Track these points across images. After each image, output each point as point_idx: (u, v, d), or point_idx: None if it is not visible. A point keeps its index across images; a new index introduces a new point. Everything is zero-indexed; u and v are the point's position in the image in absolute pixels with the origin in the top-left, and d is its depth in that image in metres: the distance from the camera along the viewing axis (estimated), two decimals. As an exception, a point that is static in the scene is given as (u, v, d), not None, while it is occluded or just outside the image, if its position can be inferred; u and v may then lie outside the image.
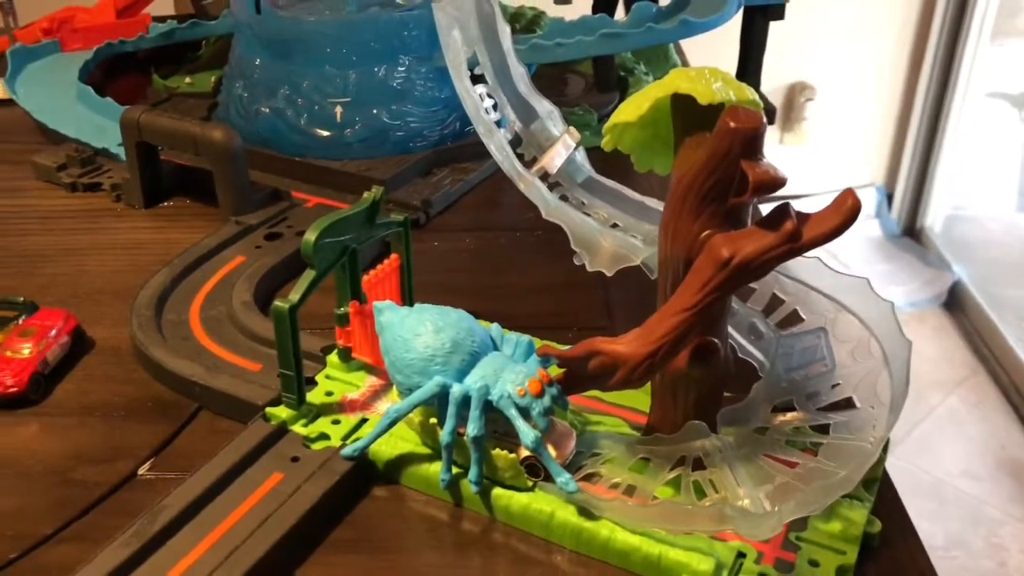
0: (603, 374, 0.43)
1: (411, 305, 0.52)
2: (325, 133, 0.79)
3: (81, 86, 0.88)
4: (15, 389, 0.55)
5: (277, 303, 0.50)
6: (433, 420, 0.49)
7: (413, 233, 0.57)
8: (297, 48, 0.79)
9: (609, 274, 0.47)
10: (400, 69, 0.80)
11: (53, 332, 0.58)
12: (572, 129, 0.51)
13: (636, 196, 0.50)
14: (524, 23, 1.02)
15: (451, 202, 0.78)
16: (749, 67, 0.90)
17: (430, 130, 0.82)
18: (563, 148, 0.49)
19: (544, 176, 0.48)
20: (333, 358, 0.57)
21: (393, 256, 0.58)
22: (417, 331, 0.48)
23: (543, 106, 0.50)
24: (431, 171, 0.80)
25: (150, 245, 0.72)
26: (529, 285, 0.68)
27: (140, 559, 0.44)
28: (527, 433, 0.45)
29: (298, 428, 0.52)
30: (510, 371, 0.47)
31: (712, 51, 0.92)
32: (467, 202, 0.79)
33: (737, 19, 0.86)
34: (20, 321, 0.59)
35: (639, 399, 0.53)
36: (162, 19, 0.99)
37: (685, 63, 1.04)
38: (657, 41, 0.80)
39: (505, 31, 0.48)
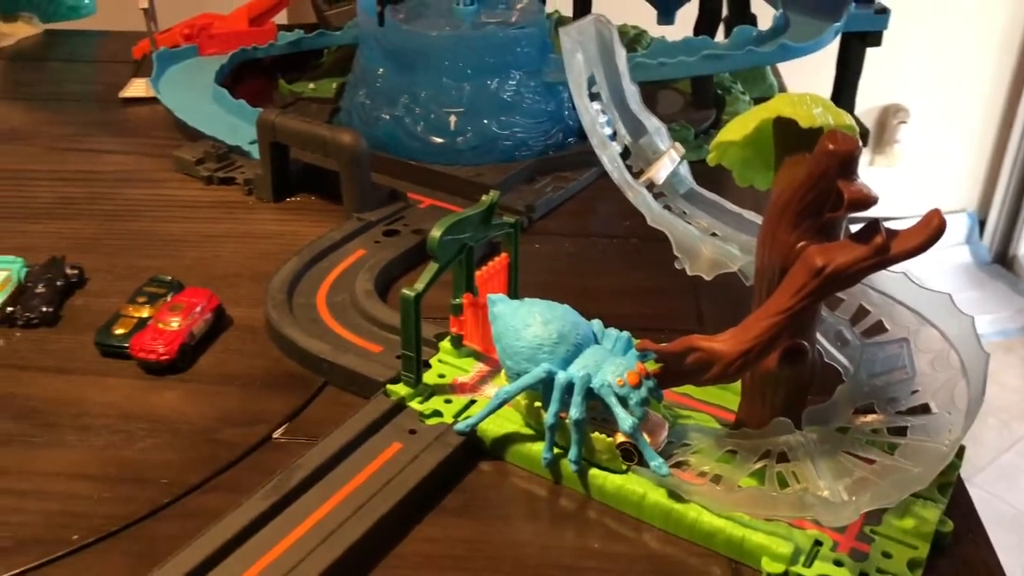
0: (698, 369, 0.47)
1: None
2: (439, 140, 0.85)
3: (217, 88, 0.96)
4: (167, 357, 0.62)
5: (405, 291, 0.55)
6: (538, 403, 0.54)
7: (529, 237, 0.63)
8: (418, 61, 0.85)
9: (708, 278, 0.52)
10: (511, 83, 0.85)
11: (198, 309, 0.65)
12: (677, 144, 0.56)
13: (734, 208, 0.54)
14: (626, 41, 1.06)
15: (552, 208, 0.83)
16: (844, 91, 0.93)
17: (535, 140, 0.87)
18: (669, 161, 0.54)
19: (650, 186, 0.53)
20: (446, 344, 0.62)
21: (503, 255, 0.63)
22: (527, 322, 0.53)
23: (652, 122, 0.54)
24: (534, 179, 0.86)
25: (278, 236, 0.79)
26: (624, 288, 0.73)
27: (279, 510, 0.50)
28: (625, 419, 0.50)
29: (415, 404, 0.57)
30: (611, 363, 0.52)
31: (807, 72, 0.96)
32: (567, 209, 0.84)
33: (834, 42, 0.89)
34: (169, 298, 0.67)
35: (727, 398, 0.57)
36: (288, 28, 1.07)
37: (781, 83, 1.08)
38: (757, 63, 0.84)
39: (621, 54, 0.53)
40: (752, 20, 1.00)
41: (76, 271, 0.71)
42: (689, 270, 0.52)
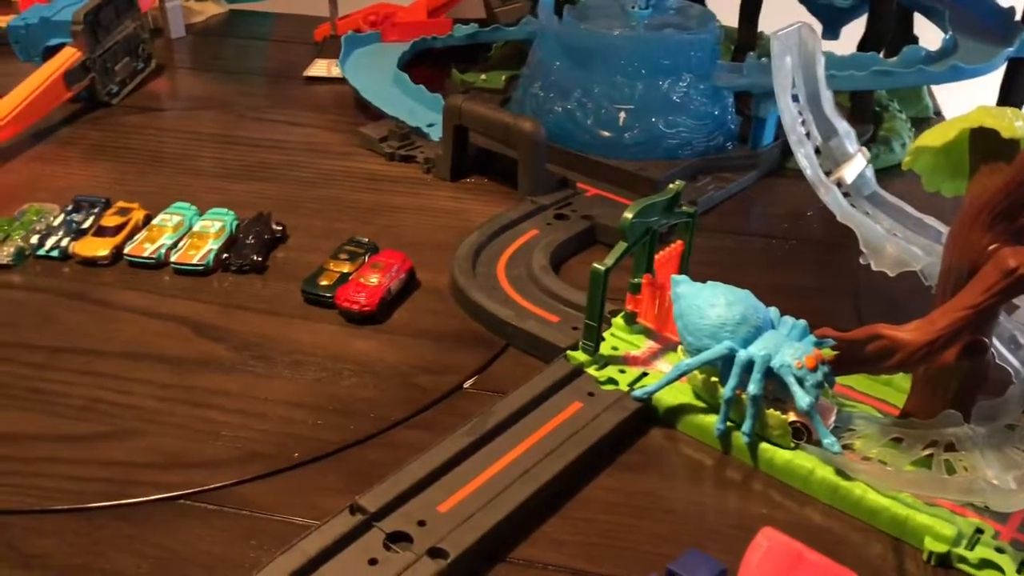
0: (879, 357, 0.51)
1: None
2: (607, 134, 0.90)
3: (398, 73, 1.03)
4: (368, 308, 0.68)
5: (596, 265, 0.60)
6: (714, 378, 0.58)
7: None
8: (595, 58, 0.90)
9: (892, 275, 0.55)
10: (681, 84, 0.89)
11: (395, 268, 0.71)
12: (864, 149, 0.59)
13: (915, 212, 0.58)
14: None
15: (712, 206, 0.87)
16: (1007, 115, 0.94)
17: (698, 141, 0.91)
18: (857, 163, 0.57)
19: (838, 185, 0.57)
20: (619, 320, 0.67)
21: (677, 243, 0.68)
22: (712, 302, 0.58)
23: (843, 126, 0.58)
24: (696, 177, 0.90)
25: (456, 212, 0.85)
26: (783, 285, 0.76)
27: (476, 448, 0.55)
28: (802, 397, 0.54)
29: (592, 371, 0.62)
30: (789, 346, 0.56)
31: (962, 93, 0.97)
32: (726, 208, 0.88)
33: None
34: (367, 258, 0.73)
35: (889, 393, 0.60)
36: (464, 22, 1.13)
37: (935, 103, 1.09)
38: (925, 82, 0.86)
39: (821, 61, 0.57)
40: (914, 40, 1.02)
41: (280, 227, 0.79)
42: (874, 265, 0.55)
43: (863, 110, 1.00)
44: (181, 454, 0.56)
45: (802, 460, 0.55)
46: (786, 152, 0.95)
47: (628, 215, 0.61)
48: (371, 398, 0.62)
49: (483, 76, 1.09)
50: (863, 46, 0.97)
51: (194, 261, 0.73)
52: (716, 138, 0.93)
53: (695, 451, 0.59)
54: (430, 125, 0.96)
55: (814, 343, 0.56)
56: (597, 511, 0.54)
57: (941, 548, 0.50)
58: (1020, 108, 0.93)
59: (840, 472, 0.54)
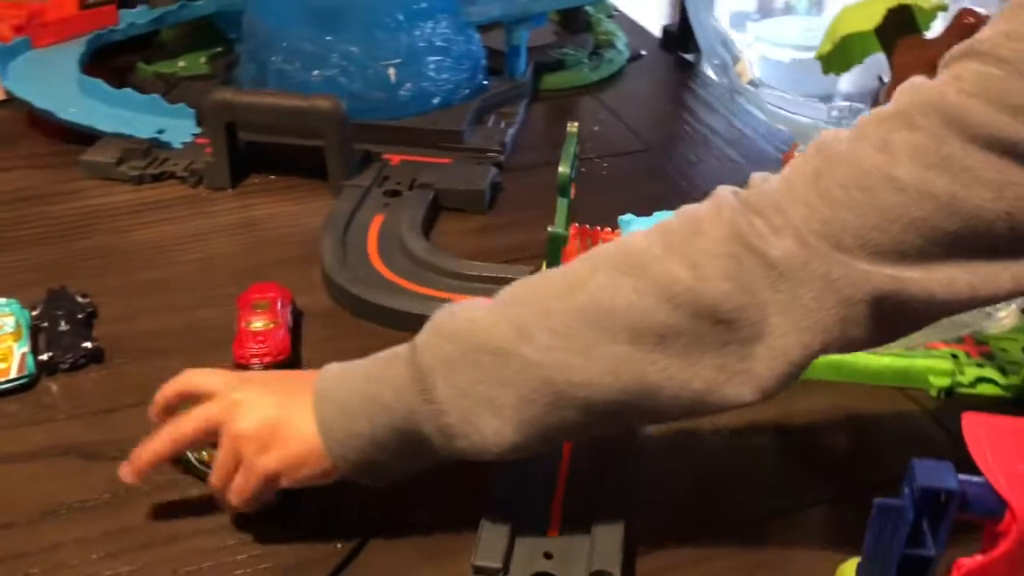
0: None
1: None
2: (380, 95, 0.83)
3: (84, 79, 0.84)
4: (284, 355, 0.57)
5: (552, 229, 0.56)
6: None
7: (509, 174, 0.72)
8: (346, 15, 0.81)
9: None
10: (442, 27, 0.85)
11: (279, 303, 0.60)
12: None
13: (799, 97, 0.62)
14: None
15: (514, 143, 0.85)
16: None
17: (465, 83, 0.88)
18: (747, 63, 0.59)
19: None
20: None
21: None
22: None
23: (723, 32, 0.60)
24: (482, 119, 0.87)
25: (263, 222, 0.74)
26: (661, 195, 0.76)
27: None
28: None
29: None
30: None
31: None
32: (524, 142, 0.86)
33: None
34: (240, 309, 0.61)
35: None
36: (130, 5, 0.95)
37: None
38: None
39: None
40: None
41: (85, 298, 0.62)
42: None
43: (576, 20, 1.04)
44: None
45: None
46: (537, 74, 0.96)
47: (564, 169, 0.57)
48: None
49: (181, 63, 0.93)
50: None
51: (12, 376, 0.55)
52: (476, 77, 0.90)
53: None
54: (160, 131, 0.81)
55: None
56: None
57: (945, 382, 0.56)
58: None
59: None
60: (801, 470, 0.53)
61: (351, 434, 0.42)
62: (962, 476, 0.36)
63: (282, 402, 0.44)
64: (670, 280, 0.38)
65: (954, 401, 0.56)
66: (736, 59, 0.59)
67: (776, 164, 0.79)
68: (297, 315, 0.62)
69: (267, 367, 0.57)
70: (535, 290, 0.41)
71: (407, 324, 0.60)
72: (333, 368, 0.45)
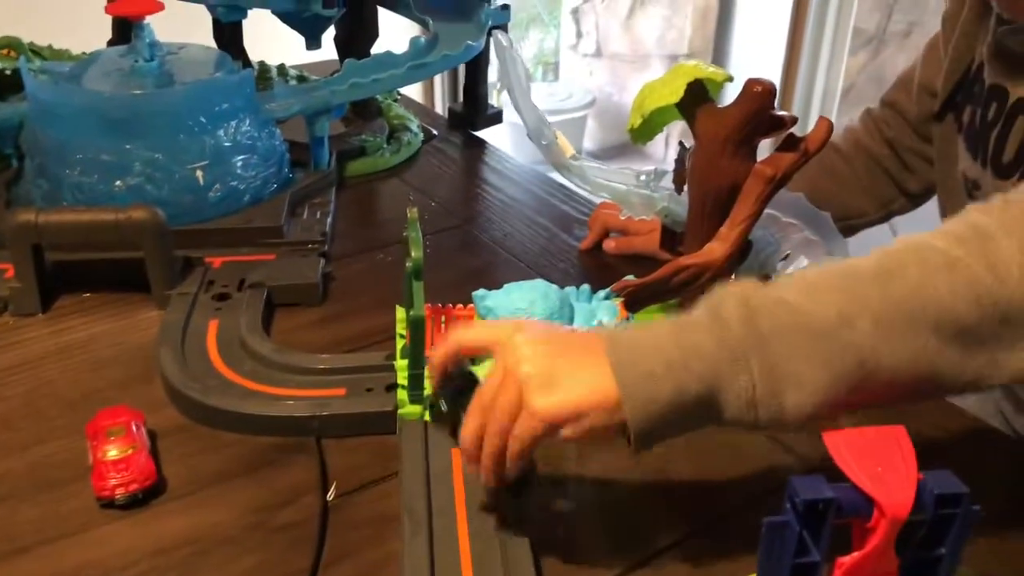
0: (687, 283, 0.60)
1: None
2: (189, 198, 0.81)
3: None
4: (151, 480, 0.54)
5: (414, 312, 0.58)
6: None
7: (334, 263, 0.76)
8: (144, 122, 0.79)
9: (649, 218, 0.65)
10: (245, 126, 0.84)
11: (134, 426, 0.57)
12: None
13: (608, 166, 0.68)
14: (271, 77, 1.09)
15: (332, 231, 0.86)
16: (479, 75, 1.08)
17: (273, 177, 0.88)
18: (563, 139, 0.65)
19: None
20: (401, 362, 0.65)
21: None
22: (531, 299, 0.61)
23: (541, 114, 0.65)
24: (295, 211, 0.87)
25: (84, 345, 0.70)
26: (465, 272, 0.80)
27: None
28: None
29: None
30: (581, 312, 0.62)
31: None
32: (340, 231, 0.87)
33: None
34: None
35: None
36: None
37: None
38: (448, 66, 0.95)
39: (519, 58, 0.62)
40: (376, 36, 1.09)
41: (-99, 456, 0.56)
42: (634, 215, 0.64)
43: (368, 108, 1.06)
44: None
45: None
46: (341, 162, 0.97)
47: (416, 254, 0.59)
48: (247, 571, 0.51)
49: (-51, 183, 0.86)
50: (346, 51, 1.02)
51: None
52: (281, 171, 0.90)
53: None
54: (-54, 260, 0.74)
55: (604, 297, 0.63)
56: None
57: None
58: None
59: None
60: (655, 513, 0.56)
61: (651, 398, 0.44)
62: (833, 485, 0.42)
63: (564, 351, 0.46)
64: (974, 280, 0.43)
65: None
66: (555, 136, 0.64)
67: (582, 225, 0.86)
68: (152, 436, 0.59)
69: (132, 496, 0.54)
70: (844, 278, 0.45)
71: (266, 427, 0.60)
72: (619, 331, 0.47)
